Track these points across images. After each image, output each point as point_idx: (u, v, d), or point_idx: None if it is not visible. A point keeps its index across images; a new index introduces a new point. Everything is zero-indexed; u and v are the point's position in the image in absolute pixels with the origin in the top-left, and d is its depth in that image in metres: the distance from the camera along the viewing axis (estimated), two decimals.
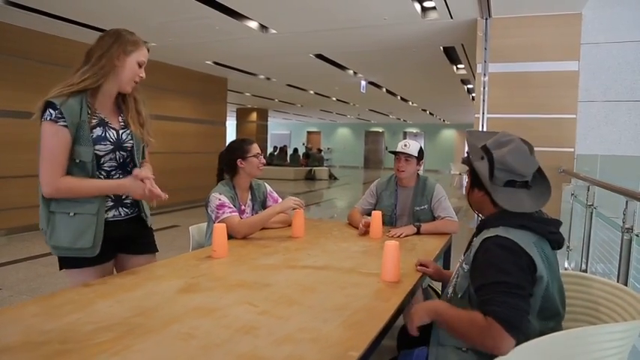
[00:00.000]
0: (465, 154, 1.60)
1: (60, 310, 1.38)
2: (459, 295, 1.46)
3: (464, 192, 2.07)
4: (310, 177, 17.39)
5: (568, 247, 4.11)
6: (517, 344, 1.21)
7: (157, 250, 2.12)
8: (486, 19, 4.96)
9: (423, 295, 2.74)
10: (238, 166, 2.67)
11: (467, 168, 1.60)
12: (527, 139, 1.51)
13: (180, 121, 9.31)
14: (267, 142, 19.66)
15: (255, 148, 2.71)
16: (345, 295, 1.60)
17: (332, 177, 17.94)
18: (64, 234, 1.75)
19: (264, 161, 2.72)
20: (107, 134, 1.83)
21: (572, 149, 4.73)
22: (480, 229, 1.49)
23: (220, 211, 2.51)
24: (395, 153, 2.97)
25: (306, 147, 22.25)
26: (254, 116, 18.46)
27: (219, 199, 2.54)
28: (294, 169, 17.45)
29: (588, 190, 3.49)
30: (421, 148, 3.01)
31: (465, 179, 1.67)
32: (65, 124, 1.70)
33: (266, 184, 2.93)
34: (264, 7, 5.26)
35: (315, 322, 1.35)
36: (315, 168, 17.83)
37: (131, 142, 1.92)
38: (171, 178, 8.58)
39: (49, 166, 1.70)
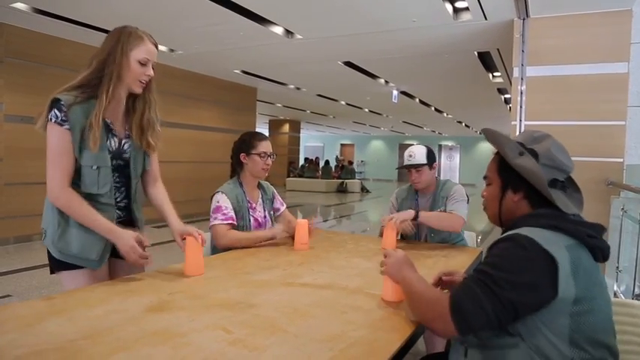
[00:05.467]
0: (494, 156, 1.34)
1: None
2: None
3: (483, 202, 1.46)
4: (342, 189, 17.12)
5: (617, 267, 3.68)
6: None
7: None
8: (524, 19, 4.60)
9: None
10: (242, 161, 2.45)
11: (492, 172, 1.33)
12: (570, 149, 1.30)
13: (208, 130, 9.27)
14: (299, 154, 19.55)
15: (264, 146, 2.44)
16: (342, 322, 1.33)
17: (364, 190, 17.61)
18: (74, 242, 1.67)
19: (269, 163, 2.46)
20: (110, 142, 1.75)
21: (620, 159, 4.27)
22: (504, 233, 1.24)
23: (213, 216, 2.29)
24: (402, 168, 2.68)
25: (337, 159, 22.00)
26: (286, 128, 18.41)
27: (218, 202, 2.33)
28: (325, 182, 17.23)
29: None
30: (429, 150, 2.71)
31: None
32: (69, 127, 1.61)
33: (271, 186, 2.70)
34: (288, 12, 5.09)
35: (296, 357, 1.08)
36: (347, 180, 17.55)
37: (128, 153, 1.82)
38: (198, 187, 8.53)
39: (51, 171, 1.63)
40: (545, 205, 1.21)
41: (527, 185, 1.23)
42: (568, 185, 1.27)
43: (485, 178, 1.37)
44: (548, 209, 1.19)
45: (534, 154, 1.24)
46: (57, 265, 1.71)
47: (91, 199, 1.68)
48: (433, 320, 1.16)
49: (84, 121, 1.63)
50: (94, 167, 1.68)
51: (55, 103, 1.61)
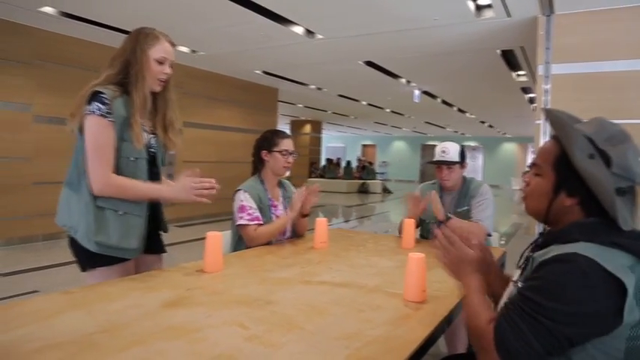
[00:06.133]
0: (554, 139, 1.14)
1: (18, 320, 1.19)
2: None
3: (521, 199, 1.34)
4: (363, 190, 17.05)
5: None
6: None
7: (165, 252, 2.02)
8: (548, 16, 4.49)
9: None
10: (263, 158, 2.44)
11: (541, 161, 1.15)
12: None
13: (229, 130, 9.34)
14: (320, 155, 19.55)
15: (286, 144, 2.44)
16: (360, 320, 1.31)
17: (386, 190, 17.50)
18: (112, 231, 1.68)
19: (291, 161, 2.45)
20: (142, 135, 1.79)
21: None
22: (547, 242, 1.10)
23: (239, 215, 2.29)
24: (434, 163, 2.62)
25: (359, 159, 21.93)
26: (308, 128, 18.42)
27: (242, 201, 2.33)
28: (346, 182, 17.19)
29: None
30: (462, 148, 2.65)
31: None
32: (113, 120, 1.65)
33: (291, 185, 2.70)
34: (308, 11, 5.08)
35: (312, 355, 1.07)
36: (368, 181, 17.47)
37: (154, 148, 1.86)
38: (220, 187, 8.58)
39: (96, 162, 1.64)
40: (599, 213, 1.05)
41: (587, 191, 1.05)
42: (629, 190, 1.06)
43: (533, 165, 1.18)
44: (604, 219, 1.04)
45: (607, 159, 1.03)
46: (90, 262, 1.70)
47: None
48: (478, 350, 1.08)
49: (124, 114, 1.68)
50: (132, 159, 1.72)
51: (97, 96, 1.64)
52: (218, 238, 1.80)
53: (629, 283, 0.93)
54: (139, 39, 1.74)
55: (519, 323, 0.97)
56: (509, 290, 1.17)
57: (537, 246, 1.15)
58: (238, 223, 2.29)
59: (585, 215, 1.08)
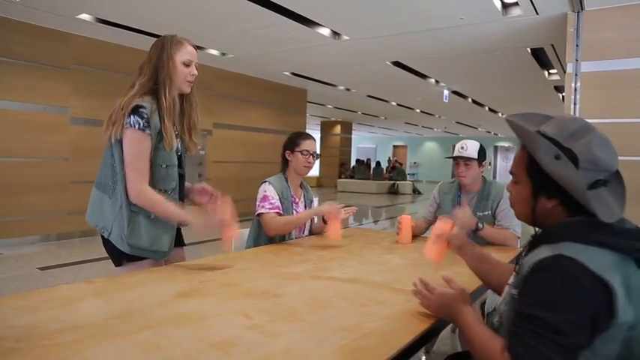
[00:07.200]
0: (521, 150, 1.15)
1: (44, 305, 1.30)
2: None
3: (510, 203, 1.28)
4: (393, 191, 16.97)
5: None
6: None
7: (185, 244, 2.14)
8: (578, 12, 4.41)
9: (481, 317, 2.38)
10: (287, 158, 2.55)
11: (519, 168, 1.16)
12: (628, 147, 1.14)
13: (258, 131, 9.51)
14: (350, 155, 19.57)
15: (308, 145, 2.54)
16: (361, 314, 1.35)
17: (416, 191, 17.37)
18: (144, 235, 1.80)
19: (311, 161, 2.55)
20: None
21: None
22: (535, 243, 1.11)
23: (260, 204, 2.40)
24: (452, 158, 2.64)
25: (389, 160, 21.84)
26: (338, 129, 18.50)
27: (265, 192, 2.44)
28: (376, 183, 17.16)
29: None
30: (481, 147, 2.65)
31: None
32: (150, 133, 1.76)
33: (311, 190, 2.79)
34: (333, 13, 5.15)
35: (309, 344, 1.12)
36: (398, 182, 17.38)
37: (180, 152, 1.97)
38: (247, 187, 8.73)
39: (133, 173, 1.76)
40: (583, 211, 1.05)
41: (563, 192, 1.05)
42: (609, 178, 1.06)
43: (511, 173, 1.20)
44: (589, 217, 1.03)
45: (573, 158, 1.04)
46: (125, 258, 1.84)
47: None
48: None
49: (159, 124, 1.79)
50: (164, 166, 1.83)
51: (137, 111, 1.75)
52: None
53: (616, 283, 0.94)
54: (165, 45, 1.85)
55: (534, 345, 0.94)
56: (505, 293, 1.19)
57: (529, 248, 1.15)
58: (259, 212, 2.39)
59: (569, 214, 1.08)
